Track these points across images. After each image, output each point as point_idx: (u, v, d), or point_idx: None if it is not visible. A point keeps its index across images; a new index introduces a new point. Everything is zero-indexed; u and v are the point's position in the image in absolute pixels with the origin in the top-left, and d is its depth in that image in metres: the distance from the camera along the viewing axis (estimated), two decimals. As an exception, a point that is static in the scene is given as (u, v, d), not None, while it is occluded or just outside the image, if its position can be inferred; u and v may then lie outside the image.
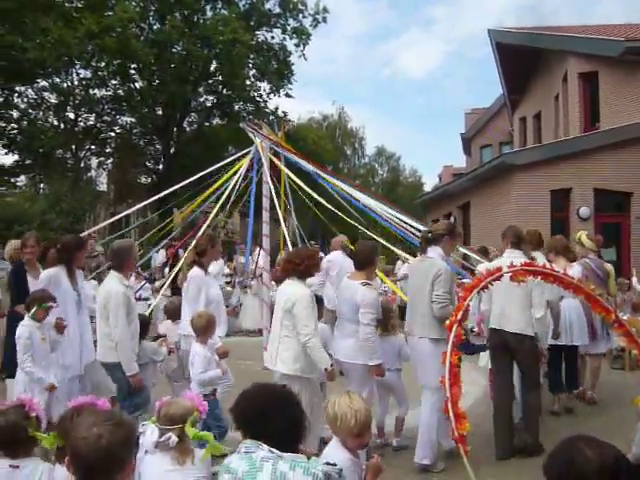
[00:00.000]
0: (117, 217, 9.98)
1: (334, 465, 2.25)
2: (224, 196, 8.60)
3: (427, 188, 44.52)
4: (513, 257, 4.95)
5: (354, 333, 4.65)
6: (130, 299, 4.72)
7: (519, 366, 5.12)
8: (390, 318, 5.29)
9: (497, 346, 5.17)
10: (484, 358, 6.55)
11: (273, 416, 2.21)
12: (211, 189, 8.91)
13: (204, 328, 4.62)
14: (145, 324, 5.21)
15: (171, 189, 8.77)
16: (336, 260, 7.82)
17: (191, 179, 8.71)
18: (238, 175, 8.44)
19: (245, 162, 8.37)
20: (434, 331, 4.65)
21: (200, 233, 7.86)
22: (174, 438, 2.63)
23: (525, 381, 5.12)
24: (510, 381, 5.16)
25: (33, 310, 4.53)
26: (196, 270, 5.35)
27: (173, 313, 5.83)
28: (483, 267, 5.76)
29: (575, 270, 6.20)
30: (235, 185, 8.55)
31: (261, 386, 2.39)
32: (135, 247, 5.49)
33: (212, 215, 8.77)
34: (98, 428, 1.86)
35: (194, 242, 5.85)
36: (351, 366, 4.73)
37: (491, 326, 5.19)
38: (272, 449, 2.13)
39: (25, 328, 4.55)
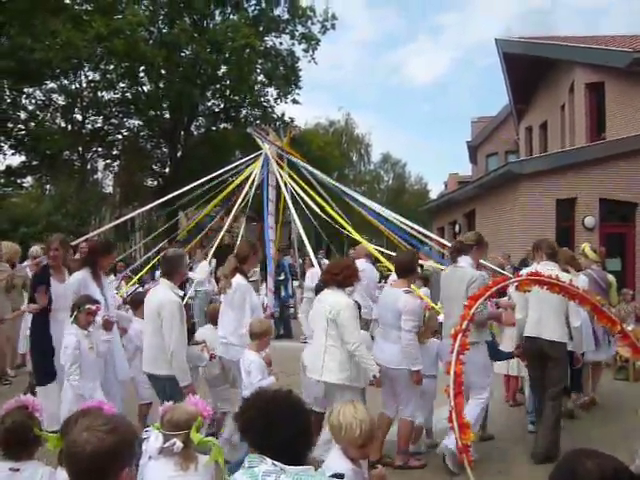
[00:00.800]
0: (123, 219, 10.01)
1: (341, 476, 2.23)
2: (239, 200, 8.64)
3: (433, 195, 44.55)
4: (548, 268, 5.04)
5: (399, 340, 4.78)
6: (182, 307, 4.55)
7: (549, 372, 5.19)
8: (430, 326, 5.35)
9: (533, 354, 5.28)
10: (503, 366, 6.55)
11: (279, 424, 2.13)
12: (224, 193, 8.94)
13: (262, 335, 4.60)
14: (191, 330, 5.19)
15: (180, 190, 8.78)
16: (367, 269, 7.86)
17: (200, 181, 8.74)
18: (251, 180, 8.48)
19: (257, 167, 8.39)
20: (472, 335, 4.66)
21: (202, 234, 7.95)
22: (179, 444, 2.61)
23: (552, 387, 5.19)
24: (541, 389, 5.33)
25: (74, 315, 4.49)
26: (240, 278, 5.19)
27: (214, 318, 5.61)
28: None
29: (581, 280, 6.23)
30: (247, 191, 8.60)
31: (267, 393, 2.36)
32: (186, 256, 5.44)
33: (228, 221, 8.78)
34: (88, 433, 1.79)
35: (236, 250, 5.70)
36: (398, 372, 4.82)
37: (527, 334, 5.27)
38: (275, 462, 2.06)
39: (72, 337, 4.43)
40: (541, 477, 1.96)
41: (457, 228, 19.19)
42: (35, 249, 7.92)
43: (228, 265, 5.24)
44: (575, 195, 13.67)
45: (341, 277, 4.66)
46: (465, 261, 5.15)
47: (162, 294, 4.43)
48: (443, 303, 5.42)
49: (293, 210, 8.14)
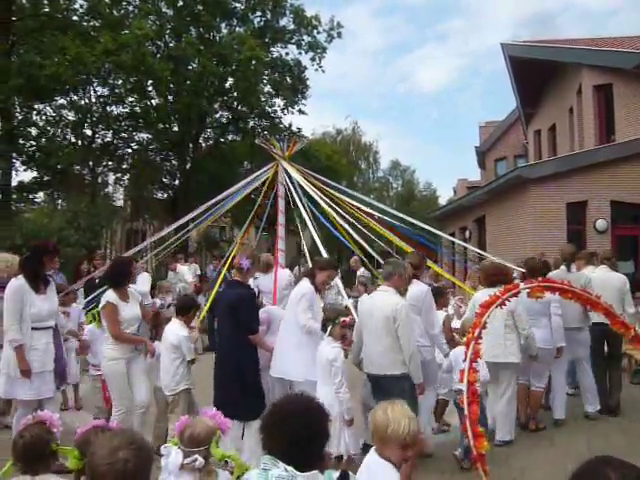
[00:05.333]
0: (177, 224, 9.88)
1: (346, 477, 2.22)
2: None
3: (442, 202, 44.41)
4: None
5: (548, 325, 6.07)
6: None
7: (611, 350, 6.78)
8: None
9: (598, 335, 6.54)
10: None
11: (293, 430, 2.14)
12: (233, 202, 9.00)
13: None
14: None
15: (205, 206, 8.78)
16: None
17: (221, 196, 8.77)
18: (264, 191, 8.54)
19: (271, 174, 8.42)
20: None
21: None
22: (201, 460, 2.58)
23: (613, 360, 6.86)
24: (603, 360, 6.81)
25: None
26: (308, 284, 5.27)
27: None
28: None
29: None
30: (261, 202, 8.67)
31: (286, 397, 2.36)
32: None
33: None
34: (123, 452, 1.83)
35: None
36: (547, 350, 6.01)
37: (594, 321, 6.32)
38: (287, 467, 2.09)
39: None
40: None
41: (467, 234, 19.12)
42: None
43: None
44: (586, 198, 13.58)
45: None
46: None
47: (396, 300, 4.77)
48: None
49: (307, 216, 8.13)
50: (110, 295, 5.19)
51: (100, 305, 5.29)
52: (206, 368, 5.58)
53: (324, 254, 7.48)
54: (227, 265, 10.69)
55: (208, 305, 9.29)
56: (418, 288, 5.32)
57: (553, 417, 6.36)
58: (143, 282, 10.07)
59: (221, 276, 9.27)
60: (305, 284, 5.21)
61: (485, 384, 5.25)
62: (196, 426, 2.72)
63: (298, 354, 4.92)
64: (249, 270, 5.18)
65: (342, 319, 4.61)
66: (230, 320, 4.97)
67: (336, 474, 2.23)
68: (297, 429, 2.14)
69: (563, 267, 6.76)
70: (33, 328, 4.98)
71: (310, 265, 10.14)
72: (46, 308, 5.13)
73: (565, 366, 6.54)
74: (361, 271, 12.38)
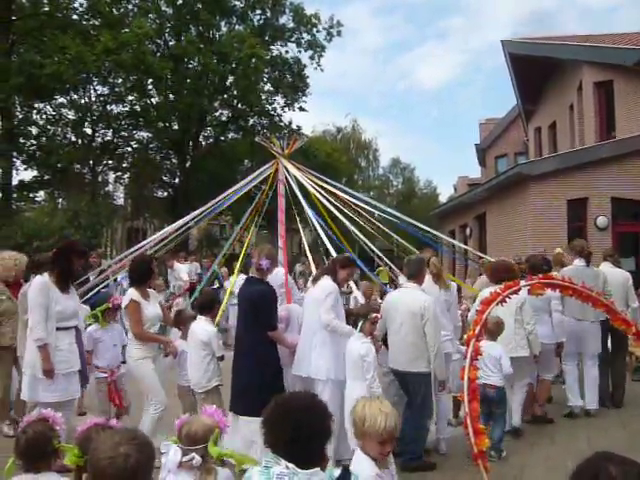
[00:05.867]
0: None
1: (347, 472, 2.22)
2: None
3: (442, 199, 44.38)
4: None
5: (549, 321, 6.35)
6: None
7: (615, 341, 6.92)
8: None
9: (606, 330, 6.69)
10: None
11: (296, 427, 2.14)
12: (254, 208, 9.00)
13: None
14: None
15: (211, 205, 8.75)
16: None
17: (226, 193, 8.75)
18: (267, 189, 8.53)
19: (273, 170, 8.42)
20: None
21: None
22: (198, 458, 2.58)
23: (619, 352, 6.97)
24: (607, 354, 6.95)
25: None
26: (331, 282, 5.22)
27: None
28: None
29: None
30: (260, 199, 8.67)
31: (292, 394, 2.35)
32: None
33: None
34: (124, 448, 1.82)
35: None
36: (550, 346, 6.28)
37: (601, 319, 6.38)
38: (289, 464, 2.09)
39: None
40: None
41: (468, 231, 19.12)
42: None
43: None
44: (586, 195, 13.57)
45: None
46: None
47: (424, 297, 4.99)
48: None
49: (311, 214, 8.11)
50: (133, 293, 5.11)
51: (123, 304, 5.20)
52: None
53: (332, 252, 7.47)
54: (222, 262, 10.67)
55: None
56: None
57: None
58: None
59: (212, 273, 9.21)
60: (329, 282, 5.12)
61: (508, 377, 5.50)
62: (193, 424, 2.71)
63: (322, 352, 4.88)
64: (268, 269, 5.19)
65: (373, 315, 4.62)
66: (250, 317, 4.94)
67: (337, 472, 2.22)
68: (298, 426, 2.13)
69: (579, 262, 6.76)
70: (57, 328, 4.84)
71: (311, 263, 10.16)
72: (71, 307, 5.03)
73: (576, 359, 6.70)
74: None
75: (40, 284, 4.85)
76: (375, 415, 2.55)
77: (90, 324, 6.03)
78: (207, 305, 5.48)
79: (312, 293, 5.23)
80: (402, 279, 7.70)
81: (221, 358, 5.27)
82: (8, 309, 5.85)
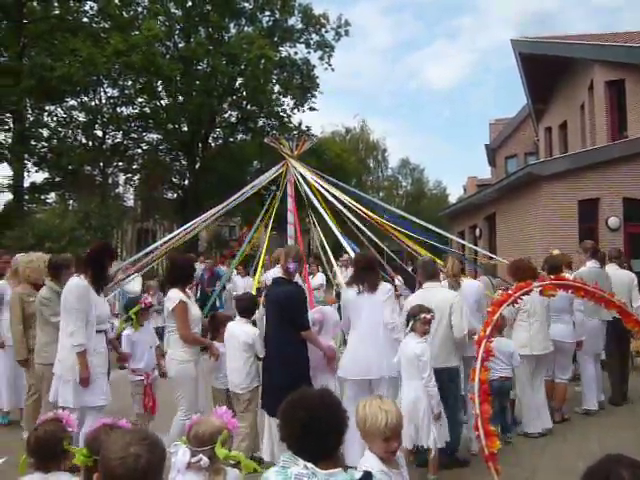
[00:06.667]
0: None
1: (369, 476, 2.20)
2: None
3: (452, 200, 44.25)
4: None
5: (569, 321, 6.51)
6: None
7: (625, 344, 7.21)
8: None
9: (615, 331, 6.82)
10: None
11: (313, 426, 2.12)
12: (266, 210, 9.00)
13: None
14: None
15: (223, 207, 8.76)
16: None
17: (237, 195, 8.76)
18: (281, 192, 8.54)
19: (283, 171, 8.42)
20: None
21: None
22: (205, 460, 2.58)
23: (621, 354, 7.17)
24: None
25: None
26: (387, 284, 5.34)
27: None
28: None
29: None
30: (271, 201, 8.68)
31: (306, 388, 2.33)
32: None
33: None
34: (135, 448, 1.82)
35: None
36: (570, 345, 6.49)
37: (610, 319, 6.60)
38: (307, 464, 2.07)
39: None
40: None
41: (478, 232, 19.03)
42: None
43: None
44: (598, 196, 13.46)
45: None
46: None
47: (450, 294, 5.18)
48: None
49: (326, 214, 8.09)
50: (179, 294, 5.03)
51: (171, 305, 5.01)
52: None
53: (350, 251, 7.48)
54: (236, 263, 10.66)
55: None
56: (474, 282, 6.25)
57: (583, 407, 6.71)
58: (134, 283, 10.07)
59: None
60: (387, 285, 5.15)
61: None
62: (202, 425, 2.71)
63: (383, 352, 4.85)
64: (295, 271, 5.17)
65: (423, 315, 4.65)
66: (279, 317, 4.93)
67: (358, 474, 2.20)
68: (313, 419, 2.12)
69: (594, 264, 6.95)
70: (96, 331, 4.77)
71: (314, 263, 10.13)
72: (106, 310, 5.02)
73: (592, 358, 6.82)
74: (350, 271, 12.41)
75: (82, 287, 4.72)
76: (375, 413, 2.56)
77: (124, 328, 5.94)
78: (250, 309, 5.45)
79: (370, 297, 5.02)
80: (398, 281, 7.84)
81: (260, 359, 5.21)
82: (35, 312, 5.69)
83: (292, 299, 4.91)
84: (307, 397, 2.23)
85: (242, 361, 5.09)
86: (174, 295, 5.03)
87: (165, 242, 8.80)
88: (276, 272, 6.78)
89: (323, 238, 8.43)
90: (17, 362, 5.93)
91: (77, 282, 4.76)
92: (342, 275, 9.01)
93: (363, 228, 8.37)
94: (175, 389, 5.07)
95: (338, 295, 6.67)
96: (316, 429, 2.11)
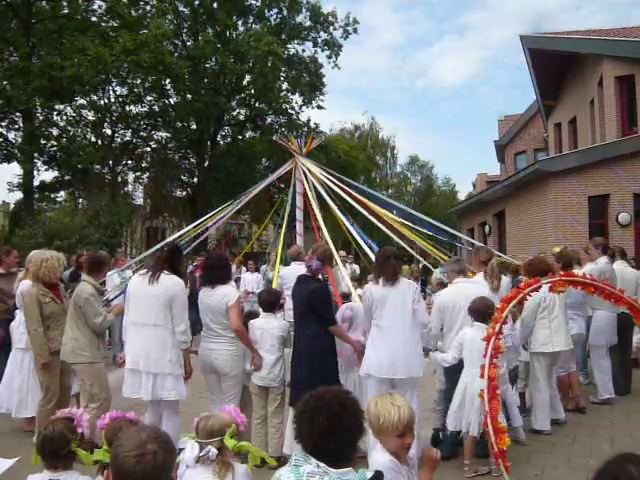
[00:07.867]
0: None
1: (380, 476, 2.19)
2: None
3: (461, 197, 44.10)
4: None
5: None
6: None
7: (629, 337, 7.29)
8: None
9: (621, 326, 6.93)
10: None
11: (327, 426, 2.09)
12: (274, 209, 9.02)
13: None
14: None
15: (234, 207, 8.78)
16: None
17: (249, 197, 8.78)
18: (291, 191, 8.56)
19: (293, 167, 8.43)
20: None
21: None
22: (214, 450, 2.62)
23: (624, 348, 7.20)
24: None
25: None
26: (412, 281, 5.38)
27: None
28: None
29: None
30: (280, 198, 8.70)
31: (324, 388, 2.32)
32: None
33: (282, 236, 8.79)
34: (152, 445, 1.83)
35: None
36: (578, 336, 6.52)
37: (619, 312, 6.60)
38: (320, 463, 2.06)
39: None
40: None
41: (487, 229, 18.95)
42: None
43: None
44: (608, 191, 13.37)
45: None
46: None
47: (479, 289, 5.10)
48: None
49: (337, 209, 8.08)
50: (235, 290, 5.19)
51: (230, 300, 4.88)
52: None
53: (366, 249, 7.48)
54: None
55: None
56: (504, 279, 6.08)
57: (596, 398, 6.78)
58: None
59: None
60: (411, 282, 5.08)
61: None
62: (210, 419, 2.77)
63: (412, 351, 4.73)
64: (318, 269, 5.16)
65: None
66: (305, 314, 4.95)
67: (369, 474, 2.20)
68: (332, 420, 2.09)
69: (605, 260, 6.95)
70: None
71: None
72: None
73: (606, 349, 6.94)
74: (353, 267, 12.53)
75: (183, 285, 4.78)
76: (388, 409, 2.55)
77: None
78: (275, 304, 5.50)
79: (395, 289, 4.83)
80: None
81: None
82: (55, 311, 5.46)
83: (317, 295, 4.92)
84: (328, 403, 2.17)
85: (276, 355, 5.13)
86: (231, 292, 5.01)
87: (175, 239, 8.84)
88: (294, 269, 6.80)
89: (328, 238, 8.42)
90: (36, 366, 5.50)
91: (178, 281, 4.71)
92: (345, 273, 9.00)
93: (378, 224, 8.33)
94: (226, 387, 4.99)
95: (344, 296, 6.59)
96: (336, 438, 2.09)
